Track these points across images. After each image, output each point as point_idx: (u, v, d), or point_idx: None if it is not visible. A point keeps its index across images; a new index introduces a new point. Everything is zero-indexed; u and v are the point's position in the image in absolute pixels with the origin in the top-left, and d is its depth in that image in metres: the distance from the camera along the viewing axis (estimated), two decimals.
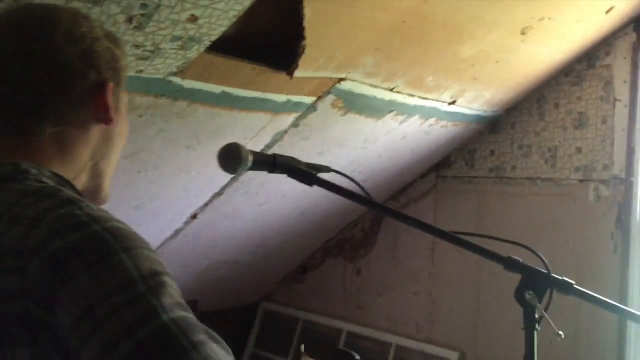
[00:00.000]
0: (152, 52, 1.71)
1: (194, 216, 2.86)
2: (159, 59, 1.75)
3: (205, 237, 3.10)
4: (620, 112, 2.81)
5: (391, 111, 2.61)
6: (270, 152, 2.50)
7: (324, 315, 3.91)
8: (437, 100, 2.68)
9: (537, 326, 1.07)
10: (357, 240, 3.84)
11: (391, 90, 2.47)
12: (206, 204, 2.80)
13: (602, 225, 2.83)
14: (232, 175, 2.45)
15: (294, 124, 2.45)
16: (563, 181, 2.98)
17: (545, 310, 1.05)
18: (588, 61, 2.91)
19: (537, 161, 3.07)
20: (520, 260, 1.07)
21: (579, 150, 2.94)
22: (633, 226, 2.74)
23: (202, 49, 1.78)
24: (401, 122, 2.73)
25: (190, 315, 0.69)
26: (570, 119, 2.97)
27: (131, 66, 1.73)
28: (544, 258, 1.07)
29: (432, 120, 2.83)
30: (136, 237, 0.72)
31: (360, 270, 3.80)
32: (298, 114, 2.39)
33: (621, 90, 2.81)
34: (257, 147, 2.50)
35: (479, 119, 3.05)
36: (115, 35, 0.97)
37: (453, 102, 2.75)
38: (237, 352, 4.32)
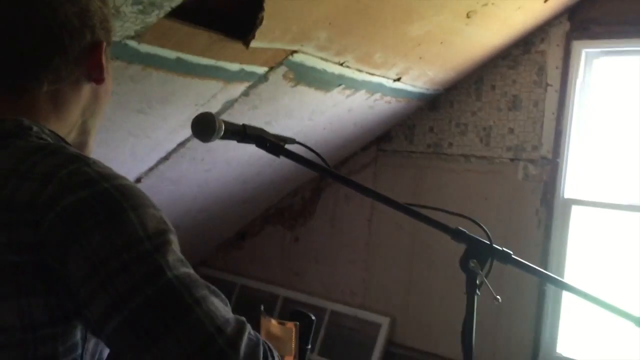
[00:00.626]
0: (112, 14, 1.70)
1: (138, 180, 2.86)
2: (118, 21, 1.74)
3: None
4: (551, 97, 3.00)
5: (339, 85, 2.68)
6: None
7: (261, 281, 4.00)
8: (383, 77, 2.78)
9: (477, 291, 1.18)
10: (296, 209, 3.93)
11: (341, 64, 2.54)
12: (151, 169, 2.80)
13: (529, 202, 3.03)
14: (183, 139, 2.47)
15: (245, 93, 2.49)
16: (495, 159, 3.16)
17: (486, 277, 1.16)
18: (524, 46, 3.07)
19: (472, 139, 3.23)
20: (467, 231, 1.17)
21: (511, 130, 3.12)
22: (556, 204, 2.95)
23: (162, 15, 1.78)
24: (348, 96, 2.81)
25: (191, 272, 0.74)
26: (505, 100, 3.14)
27: None
28: (487, 230, 1.18)
29: (377, 95, 2.93)
30: (142, 194, 0.76)
31: (298, 238, 3.89)
32: (250, 83, 2.42)
33: (553, 75, 2.99)
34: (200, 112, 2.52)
35: (420, 96, 3.17)
36: None
37: (398, 79, 2.86)
38: None
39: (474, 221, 1.21)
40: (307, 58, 2.40)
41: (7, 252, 0.71)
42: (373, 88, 2.84)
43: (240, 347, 0.73)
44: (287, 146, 1.26)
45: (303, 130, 2.99)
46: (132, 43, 1.89)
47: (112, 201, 0.73)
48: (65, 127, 0.91)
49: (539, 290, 2.97)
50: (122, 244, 0.71)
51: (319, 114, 2.88)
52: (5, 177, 0.74)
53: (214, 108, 2.50)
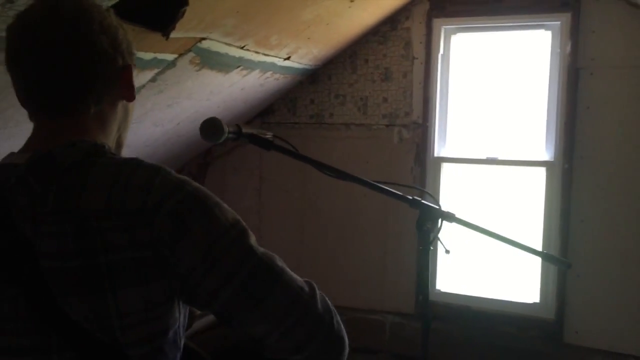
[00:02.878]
0: None
1: None
2: None
3: None
4: (418, 68, 3.40)
5: (238, 66, 2.84)
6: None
7: None
8: (276, 57, 2.98)
9: (430, 247, 1.48)
10: None
11: (242, 48, 2.70)
12: None
13: (404, 162, 3.44)
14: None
15: (153, 79, 2.56)
16: (373, 126, 3.52)
17: (436, 235, 1.47)
18: (391, 24, 3.43)
19: (351, 109, 3.56)
20: (421, 199, 1.46)
21: (385, 100, 3.49)
22: (428, 162, 3.39)
23: None
24: (244, 76, 2.98)
25: (265, 249, 0.96)
26: (377, 73, 3.49)
27: None
28: (435, 197, 1.48)
29: (268, 73, 3.12)
30: (211, 193, 0.95)
31: None
32: (159, 69, 2.50)
33: (418, 49, 3.40)
34: None
35: (303, 72, 3.42)
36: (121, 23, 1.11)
37: (288, 58, 3.08)
38: None
39: (423, 191, 1.51)
40: (213, 44, 2.53)
41: (129, 250, 0.87)
42: (266, 67, 3.03)
43: (317, 298, 0.96)
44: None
45: (200, 109, 3.11)
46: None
47: (199, 201, 0.92)
48: (109, 142, 1.04)
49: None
50: (218, 234, 0.91)
51: (216, 94, 3.02)
52: (109, 190, 0.88)
53: None
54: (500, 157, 3.26)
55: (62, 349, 0.86)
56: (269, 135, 1.42)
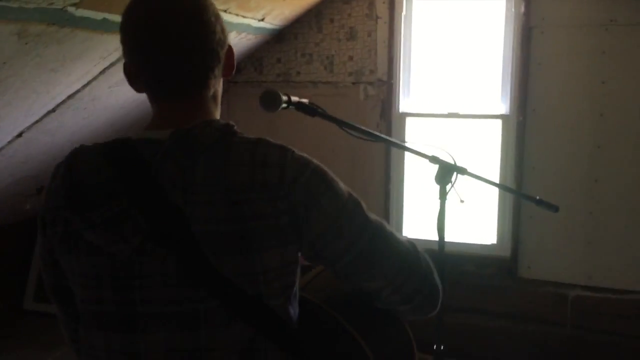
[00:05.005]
0: None
1: (20, 134, 2.81)
2: None
3: (21, 153, 3.04)
4: (382, 28, 3.57)
5: None
6: (113, 68, 2.66)
7: None
8: (252, 18, 3.07)
9: (447, 196, 1.70)
10: None
11: (225, 11, 2.77)
12: (36, 122, 2.78)
13: (371, 118, 3.64)
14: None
15: None
16: (339, 84, 3.68)
17: (452, 186, 1.68)
18: None
19: (317, 67, 3.70)
20: (439, 157, 1.66)
21: (350, 58, 3.65)
22: (393, 118, 3.61)
23: None
24: None
25: (375, 216, 1.13)
26: (343, 32, 3.63)
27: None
28: (452, 155, 1.68)
29: (243, 34, 3.21)
30: (327, 169, 1.10)
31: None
32: None
33: (382, 9, 3.55)
34: (103, 65, 2.60)
35: (272, 32, 3.51)
36: None
37: (262, 19, 3.17)
38: (24, 265, 4.26)
39: (445, 151, 1.71)
40: None
41: (272, 218, 1.02)
42: (242, 29, 3.12)
43: (420, 257, 1.15)
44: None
45: None
46: (72, 9, 1.96)
47: (324, 176, 1.08)
48: (218, 114, 1.17)
49: (384, 189, 3.65)
50: (341, 205, 1.07)
51: None
52: (251, 166, 1.02)
53: (109, 59, 2.59)
54: (460, 112, 3.52)
55: (208, 300, 1.01)
56: (305, 101, 1.57)
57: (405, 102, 3.62)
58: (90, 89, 2.73)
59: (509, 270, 3.50)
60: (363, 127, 1.65)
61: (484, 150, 3.52)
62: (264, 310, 1.04)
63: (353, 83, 3.66)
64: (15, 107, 2.45)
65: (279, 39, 3.70)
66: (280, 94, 1.44)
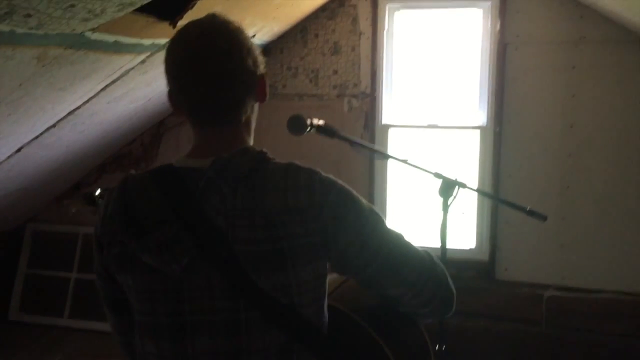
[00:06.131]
0: (97, 15, 1.88)
1: (19, 149, 2.87)
2: (99, 19, 1.92)
3: (18, 167, 3.09)
4: (365, 43, 3.72)
5: None
6: (114, 85, 2.75)
7: None
8: None
9: (448, 208, 1.85)
10: (136, 155, 4.13)
11: None
12: (36, 137, 2.84)
13: (355, 129, 3.79)
14: None
15: (142, 61, 2.70)
16: (324, 96, 3.83)
17: (454, 199, 1.83)
18: (339, 1, 3.71)
19: (303, 80, 3.83)
20: (442, 172, 1.82)
21: (335, 72, 3.79)
22: (377, 129, 3.76)
23: (130, 10, 1.99)
24: None
25: (394, 229, 1.26)
26: (327, 47, 3.78)
27: (71, 25, 1.87)
28: (454, 173, 1.84)
29: None
30: (350, 187, 1.22)
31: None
32: (150, 52, 2.65)
33: (365, 25, 3.71)
34: (106, 83, 2.68)
35: (260, 46, 3.63)
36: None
37: (254, 36, 3.28)
38: (9, 275, 4.26)
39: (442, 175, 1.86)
40: None
41: (304, 237, 1.14)
42: None
43: (435, 264, 1.28)
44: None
45: None
46: (89, 33, 2.06)
47: (347, 195, 1.20)
48: (252, 140, 1.30)
49: (368, 196, 3.81)
50: (365, 221, 1.20)
51: None
52: (284, 191, 1.15)
53: (112, 77, 2.68)
54: (441, 123, 3.70)
55: (248, 309, 1.13)
56: (322, 123, 1.70)
57: (387, 114, 3.78)
58: (90, 105, 2.81)
59: (486, 273, 3.69)
60: (373, 147, 1.79)
61: (463, 159, 3.71)
62: (297, 318, 1.17)
63: (337, 96, 3.81)
64: (21, 125, 2.52)
65: (265, 53, 3.82)
66: (305, 120, 1.56)
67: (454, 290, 1.30)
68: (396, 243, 1.23)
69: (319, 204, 1.15)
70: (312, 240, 1.15)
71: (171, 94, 1.24)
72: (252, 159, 1.18)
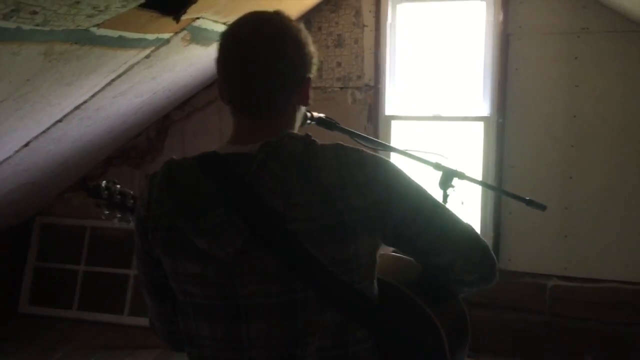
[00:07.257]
0: (101, 11, 1.91)
1: (27, 144, 2.91)
2: (103, 15, 1.95)
3: (26, 162, 3.14)
4: (368, 35, 3.74)
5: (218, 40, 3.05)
6: (119, 79, 2.78)
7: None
8: None
9: (447, 199, 1.88)
10: (142, 148, 4.17)
11: (224, 24, 2.91)
12: (44, 132, 2.88)
13: (359, 121, 3.81)
14: None
15: (147, 56, 2.73)
16: (328, 89, 3.85)
17: (452, 189, 1.86)
18: None
19: None
20: (442, 163, 1.84)
21: (339, 64, 3.82)
22: (380, 120, 3.79)
23: (134, 6, 2.02)
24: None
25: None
26: (331, 39, 3.80)
27: (76, 22, 1.91)
28: (453, 161, 1.86)
29: None
30: (393, 162, 1.26)
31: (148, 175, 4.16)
32: (154, 47, 2.68)
33: (368, 18, 3.73)
34: (111, 77, 2.72)
35: None
36: (310, 38, 1.32)
37: None
38: (19, 268, 4.33)
39: (444, 156, 1.89)
40: (204, 22, 2.74)
41: (363, 211, 1.17)
42: None
43: (474, 229, 1.31)
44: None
45: (175, 80, 3.30)
46: (94, 29, 2.09)
47: (395, 170, 1.24)
48: None
49: None
50: (414, 192, 1.24)
51: (194, 65, 3.22)
52: (338, 169, 1.18)
53: (118, 71, 2.71)
54: (444, 114, 3.72)
55: (304, 290, 1.16)
56: (322, 115, 1.73)
57: (391, 106, 3.81)
58: (96, 100, 2.84)
59: None
60: (375, 139, 1.81)
61: (466, 150, 3.73)
62: (354, 295, 1.20)
63: (341, 88, 3.83)
64: (29, 120, 2.56)
65: None
66: (306, 113, 1.59)
67: (495, 259, 1.34)
68: (444, 211, 1.27)
69: (372, 179, 1.19)
70: (370, 214, 1.18)
71: (219, 81, 1.25)
72: (300, 141, 1.20)
